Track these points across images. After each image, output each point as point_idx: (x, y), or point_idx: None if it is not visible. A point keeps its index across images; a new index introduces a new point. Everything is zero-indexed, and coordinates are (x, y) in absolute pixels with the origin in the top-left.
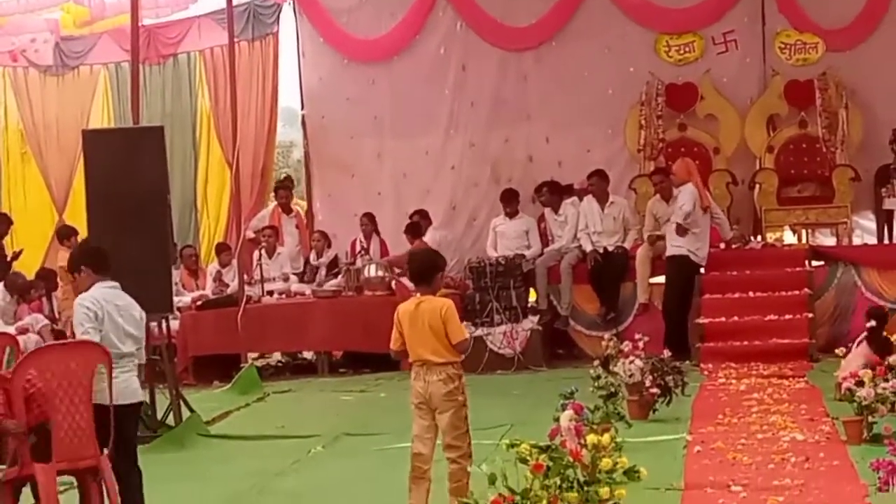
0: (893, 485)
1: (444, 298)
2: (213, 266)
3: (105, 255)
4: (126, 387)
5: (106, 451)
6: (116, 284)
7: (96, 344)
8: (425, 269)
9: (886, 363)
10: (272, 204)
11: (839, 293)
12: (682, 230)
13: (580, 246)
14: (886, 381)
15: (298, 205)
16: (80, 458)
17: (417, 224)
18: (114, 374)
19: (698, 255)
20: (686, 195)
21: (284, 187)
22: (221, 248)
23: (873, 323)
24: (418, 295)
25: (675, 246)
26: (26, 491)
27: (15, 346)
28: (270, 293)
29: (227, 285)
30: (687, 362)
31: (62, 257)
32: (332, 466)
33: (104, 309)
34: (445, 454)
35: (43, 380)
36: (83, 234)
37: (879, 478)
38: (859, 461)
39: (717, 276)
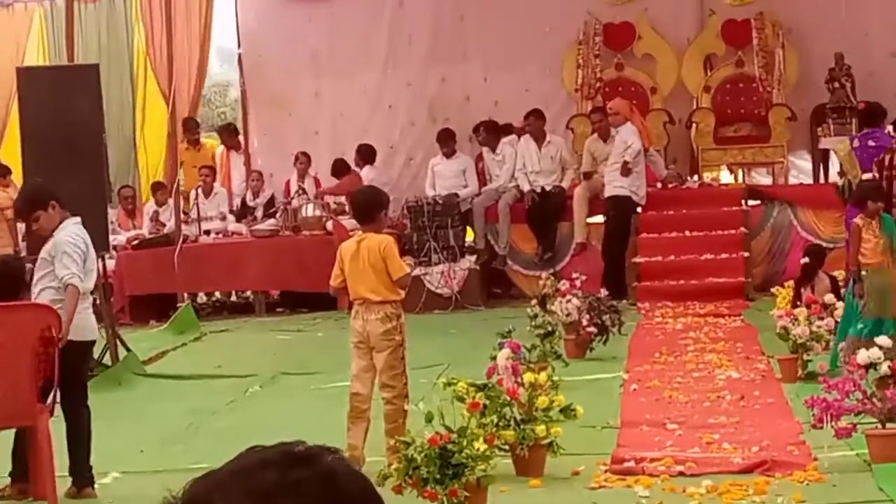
0: (827, 422)
1: (384, 235)
2: (149, 205)
3: None
4: (86, 325)
5: (47, 403)
6: (79, 219)
7: (47, 306)
8: (369, 206)
9: (821, 302)
10: (221, 147)
11: (775, 232)
12: (626, 170)
13: (518, 185)
14: (821, 319)
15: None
16: (16, 417)
17: (366, 151)
18: (78, 310)
19: (638, 195)
20: (631, 134)
21: (229, 131)
22: (157, 188)
23: (806, 259)
24: (360, 233)
25: (616, 186)
26: None
27: None
28: (207, 233)
29: (164, 225)
30: (624, 301)
31: None
32: (270, 406)
33: (88, 248)
34: (381, 394)
35: None
36: (17, 172)
37: (814, 415)
38: (794, 399)
39: (653, 215)
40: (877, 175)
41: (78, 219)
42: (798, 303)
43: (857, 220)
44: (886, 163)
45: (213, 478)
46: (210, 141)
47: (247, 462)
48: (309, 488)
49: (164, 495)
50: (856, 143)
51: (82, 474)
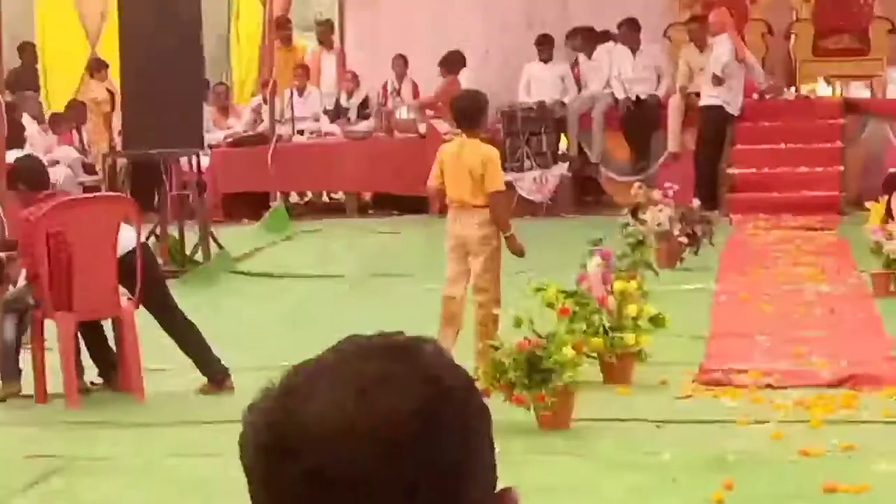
0: None
1: (490, 147)
2: (256, 98)
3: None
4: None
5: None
6: None
7: (124, 197)
8: (471, 110)
9: None
10: (312, 47)
11: (870, 146)
12: (718, 80)
13: (612, 93)
14: None
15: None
16: (100, 309)
17: (454, 59)
18: None
19: (732, 106)
20: (724, 46)
21: (326, 27)
22: (267, 83)
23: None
24: (463, 136)
25: (709, 96)
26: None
27: None
28: (301, 132)
29: (263, 120)
30: (716, 212)
31: (93, 89)
32: (360, 306)
33: None
34: (474, 297)
35: (67, 232)
36: (114, 67)
37: None
38: (885, 314)
39: (749, 126)
40: None
41: None
42: (890, 218)
43: None
44: None
45: (311, 367)
46: (301, 42)
47: (347, 352)
48: (411, 381)
49: (262, 385)
50: None
51: (213, 369)
